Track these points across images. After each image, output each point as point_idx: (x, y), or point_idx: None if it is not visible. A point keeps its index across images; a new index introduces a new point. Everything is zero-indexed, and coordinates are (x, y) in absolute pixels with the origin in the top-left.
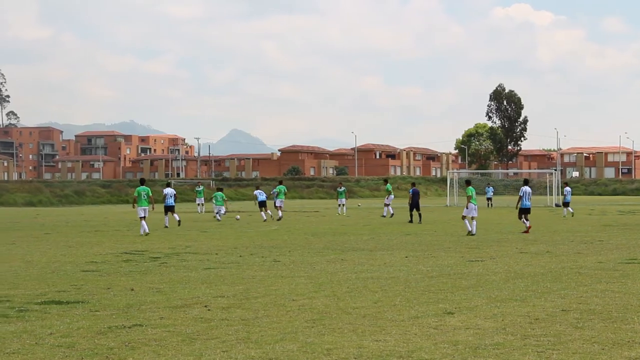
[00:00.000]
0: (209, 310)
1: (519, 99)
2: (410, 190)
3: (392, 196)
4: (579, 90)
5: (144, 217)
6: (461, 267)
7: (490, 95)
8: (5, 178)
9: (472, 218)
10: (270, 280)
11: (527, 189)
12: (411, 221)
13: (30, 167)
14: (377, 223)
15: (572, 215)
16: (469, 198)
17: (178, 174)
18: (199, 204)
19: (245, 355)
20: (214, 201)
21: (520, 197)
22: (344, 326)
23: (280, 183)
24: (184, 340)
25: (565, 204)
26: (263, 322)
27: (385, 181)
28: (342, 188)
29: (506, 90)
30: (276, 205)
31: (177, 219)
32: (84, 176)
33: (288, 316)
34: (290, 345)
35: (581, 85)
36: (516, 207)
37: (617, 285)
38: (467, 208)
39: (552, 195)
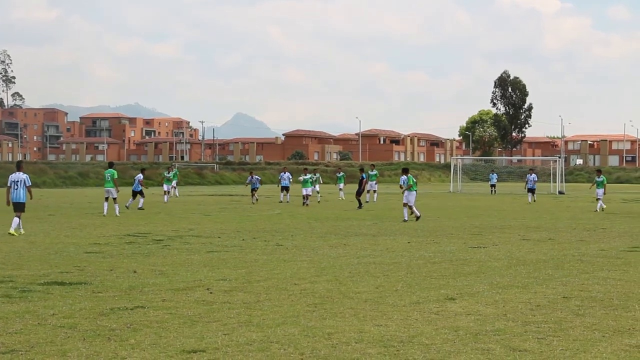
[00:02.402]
0: (211, 293)
1: (524, 86)
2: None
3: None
4: (584, 78)
5: (107, 197)
6: (463, 253)
7: (495, 82)
8: (10, 159)
9: (408, 205)
10: (273, 264)
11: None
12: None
13: (35, 149)
14: (381, 208)
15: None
16: (410, 186)
17: (182, 157)
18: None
19: (246, 338)
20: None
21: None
22: (346, 310)
23: (305, 171)
24: (186, 322)
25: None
26: (265, 306)
27: (405, 171)
28: (341, 173)
29: (511, 77)
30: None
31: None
32: (88, 158)
33: (290, 300)
34: (291, 329)
35: (586, 73)
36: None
37: (618, 273)
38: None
39: (555, 182)
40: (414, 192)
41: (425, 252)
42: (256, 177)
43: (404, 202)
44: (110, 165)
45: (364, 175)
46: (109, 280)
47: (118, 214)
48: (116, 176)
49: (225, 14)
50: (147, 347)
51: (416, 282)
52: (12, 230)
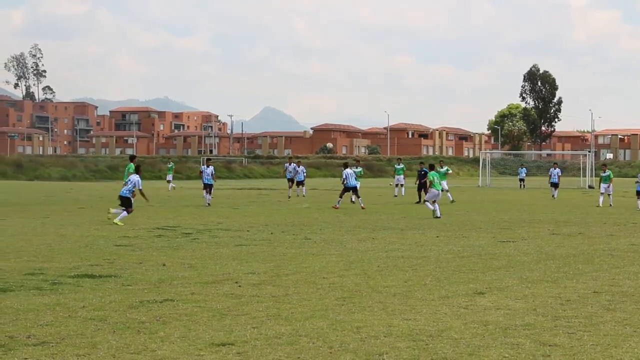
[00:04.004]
0: (239, 286)
1: (554, 80)
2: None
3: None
4: (615, 71)
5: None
6: (492, 247)
7: (524, 76)
8: (41, 152)
9: (434, 202)
10: (301, 257)
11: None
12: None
13: (65, 142)
14: (409, 202)
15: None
16: (431, 183)
17: (211, 151)
18: (169, 181)
19: (275, 331)
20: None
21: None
22: (374, 304)
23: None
24: (215, 315)
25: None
26: (293, 299)
27: (431, 167)
28: (359, 168)
29: (541, 71)
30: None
31: (208, 201)
32: (117, 152)
33: (318, 294)
34: (320, 323)
35: (617, 66)
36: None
37: None
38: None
39: (585, 177)
40: (437, 191)
41: (454, 246)
42: (302, 167)
43: (427, 198)
44: (131, 159)
45: (425, 169)
46: (139, 273)
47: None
48: (131, 170)
49: (250, 6)
50: (177, 340)
51: (445, 277)
52: (115, 218)
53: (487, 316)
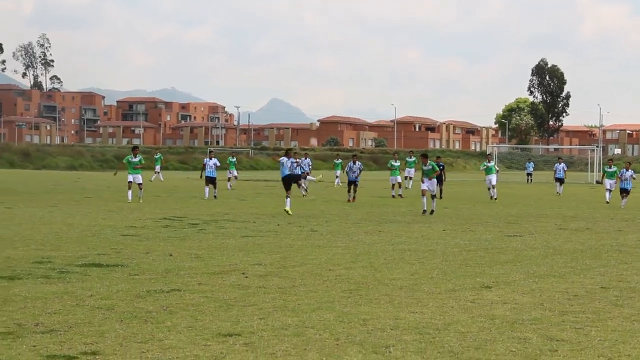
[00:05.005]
0: (246, 277)
1: (562, 74)
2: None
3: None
4: (623, 66)
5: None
6: (499, 241)
7: (533, 70)
8: (48, 142)
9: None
10: (308, 249)
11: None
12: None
13: (72, 132)
14: (416, 196)
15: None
16: (428, 173)
17: (217, 142)
18: (229, 177)
19: (281, 322)
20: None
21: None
22: (381, 297)
23: (396, 156)
24: (222, 306)
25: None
26: (300, 291)
27: (424, 157)
28: (339, 160)
29: (549, 65)
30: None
31: (215, 193)
32: (124, 142)
33: (325, 286)
34: (326, 315)
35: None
36: None
37: None
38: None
39: (593, 172)
40: (434, 180)
41: (461, 240)
42: (307, 159)
43: (423, 189)
44: (132, 149)
45: (442, 164)
46: (146, 263)
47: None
48: (126, 161)
49: None
50: (184, 330)
51: (452, 270)
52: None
53: (493, 310)
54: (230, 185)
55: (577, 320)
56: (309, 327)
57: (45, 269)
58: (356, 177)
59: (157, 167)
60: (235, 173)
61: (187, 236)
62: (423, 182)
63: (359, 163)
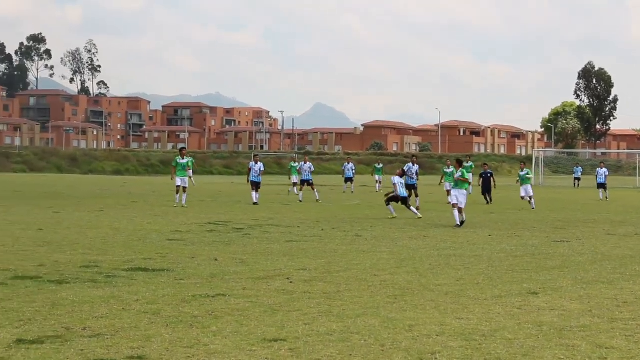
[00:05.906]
0: (291, 282)
1: (609, 77)
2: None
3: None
4: None
5: (180, 186)
6: (546, 247)
7: (579, 74)
8: (95, 147)
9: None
10: (352, 254)
11: None
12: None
13: (118, 137)
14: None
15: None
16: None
17: (262, 147)
18: (294, 183)
19: (327, 328)
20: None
21: None
22: (426, 303)
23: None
24: (267, 311)
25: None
26: (345, 296)
27: (459, 162)
28: (380, 165)
29: (596, 69)
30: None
31: (255, 200)
32: (170, 146)
33: (370, 291)
34: (372, 320)
35: None
36: None
37: None
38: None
39: None
40: (464, 190)
41: (507, 246)
42: (350, 164)
43: (452, 202)
44: (180, 150)
45: (490, 172)
46: (191, 267)
47: (185, 204)
48: (175, 164)
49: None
50: (229, 335)
51: (498, 276)
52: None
53: (541, 317)
54: (296, 190)
55: (627, 327)
56: (354, 333)
57: (92, 273)
58: (415, 181)
59: (190, 172)
60: (295, 179)
61: (232, 241)
62: (450, 194)
63: (417, 166)
